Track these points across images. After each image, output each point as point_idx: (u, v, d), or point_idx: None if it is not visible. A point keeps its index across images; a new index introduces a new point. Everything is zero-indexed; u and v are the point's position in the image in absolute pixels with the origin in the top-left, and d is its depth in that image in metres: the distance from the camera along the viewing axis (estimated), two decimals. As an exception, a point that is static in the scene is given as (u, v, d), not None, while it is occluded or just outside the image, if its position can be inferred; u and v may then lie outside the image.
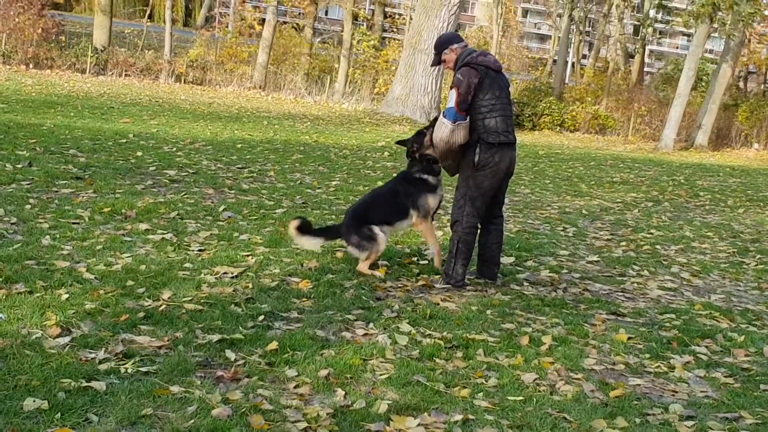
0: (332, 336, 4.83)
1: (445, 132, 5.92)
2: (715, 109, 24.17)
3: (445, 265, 6.22)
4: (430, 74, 21.97)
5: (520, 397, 4.20)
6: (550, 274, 6.81)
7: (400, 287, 6.00)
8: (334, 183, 10.16)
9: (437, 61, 6.24)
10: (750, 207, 12.37)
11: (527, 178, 12.91)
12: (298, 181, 10.07)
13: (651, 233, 9.26)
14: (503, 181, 6.24)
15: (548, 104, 25.86)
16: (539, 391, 4.32)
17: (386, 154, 13.97)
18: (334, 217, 8.12)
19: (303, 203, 8.69)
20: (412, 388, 4.17)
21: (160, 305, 4.96)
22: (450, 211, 6.40)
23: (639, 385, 4.61)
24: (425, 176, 6.29)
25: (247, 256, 6.33)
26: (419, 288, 6.04)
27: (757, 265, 8.24)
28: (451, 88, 6.02)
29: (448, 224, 6.55)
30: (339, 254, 6.60)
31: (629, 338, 5.35)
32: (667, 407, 4.29)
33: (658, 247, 8.54)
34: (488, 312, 5.59)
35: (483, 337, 5.05)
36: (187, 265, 5.91)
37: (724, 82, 24.24)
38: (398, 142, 6.64)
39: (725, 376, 4.90)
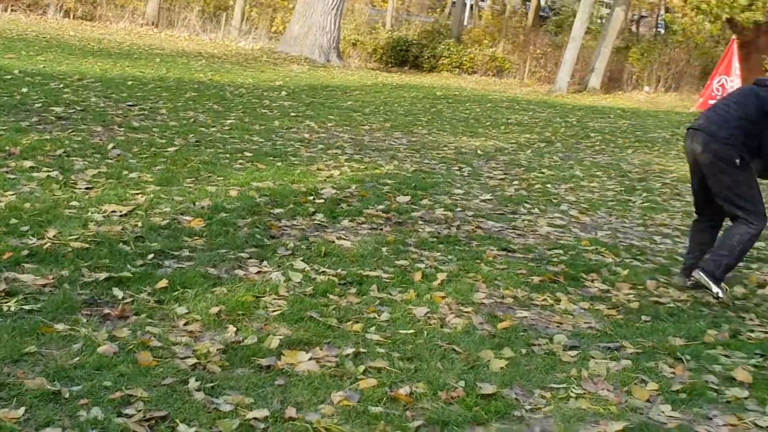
0: (224, 274, 4.79)
1: None
2: (608, 53, 24.68)
3: None
4: (329, 13, 21.68)
5: (412, 331, 4.27)
6: (445, 212, 6.89)
7: (295, 226, 5.98)
8: (229, 122, 9.99)
9: None
10: (638, 148, 12.75)
11: (424, 118, 12.97)
12: (192, 120, 9.86)
13: (543, 173, 9.46)
14: (702, 175, 5.68)
15: (447, 46, 25.90)
16: (430, 325, 4.40)
17: (283, 93, 13.79)
18: (228, 155, 8.00)
19: (196, 142, 8.52)
20: (304, 324, 4.18)
21: (45, 243, 4.81)
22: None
23: (526, 317, 4.74)
24: None
25: (137, 194, 6.18)
26: (314, 226, 6.03)
27: (642, 203, 8.53)
28: None
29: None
30: (233, 192, 6.52)
31: (518, 272, 5.49)
32: (552, 338, 4.44)
33: (549, 186, 8.73)
34: (383, 249, 5.63)
35: (377, 274, 5.10)
36: (73, 203, 5.74)
37: (617, 26, 24.74)
38: None
39: (609, 308, 5.09)
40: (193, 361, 3.63)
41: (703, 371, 4.22)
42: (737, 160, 5.40)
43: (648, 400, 3.81)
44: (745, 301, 5.55)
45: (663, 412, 3.70)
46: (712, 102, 20.98)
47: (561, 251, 6.19)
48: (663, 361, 4.28)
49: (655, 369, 4.17)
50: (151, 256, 4.90)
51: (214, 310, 4.20)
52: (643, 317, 4.98)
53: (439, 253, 5.74)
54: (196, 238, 5.37)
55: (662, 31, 27.94)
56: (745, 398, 3.94)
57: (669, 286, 5.67)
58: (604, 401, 3.74)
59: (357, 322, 4.30)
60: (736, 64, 21.24)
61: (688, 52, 26.39)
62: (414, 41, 26.22)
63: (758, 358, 4.48)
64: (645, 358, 4.31)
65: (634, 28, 29.30)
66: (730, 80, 21.17)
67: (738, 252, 5.51)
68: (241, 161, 7.83)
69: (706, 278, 5.42)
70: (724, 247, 5.51)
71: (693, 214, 6.09)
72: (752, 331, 4.95)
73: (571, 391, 3.80)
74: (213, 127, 9.55)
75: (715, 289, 5.41)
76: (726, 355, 4.48)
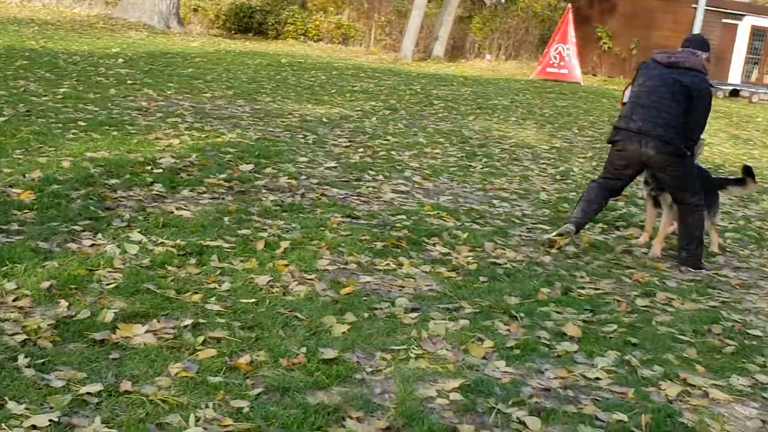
0: (56, 247, 4.60)
1: None
2: (451, 21, 25.11)
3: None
4: (168, -22, 21.03)
5: (253, 300, 4.23)
6: (289, 181, 6.85)
7: (132, 197, 5.80)
8: (62, 90, 9.54)
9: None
10: (480, 114, 13.06)
11: (268, 86, 12.82)
12: (22, 89, 9.36)
13: (387, 140, 9.55)
14: (642, 168, 6.22)
15: (291, 13, 25.63)
16: (272, 293, 4.38)
17: (120, 60, 13.30)
18: (61, 125, 7.65)
19: (27, 112, 8.10)
20: (141, 296, 4.07)
21: None
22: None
23: (369, 282, 4.80)
24: None
25: (-39, 167, 5.83)
26: (152, 197, 5.87)
27: (482, 168, 8.76)
28: None
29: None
30: (65, 164, 6.25)
31: (362, 239, 5.53)
32: (394, 301, 4.51)
33: (393, 152, 8.83)
34: (225, 219, 5.55)
35: (218, 244, 5.02)
36: None
37: (459, -5, 25.21)
38: None
39: (449, 271, 5.21)
40: (22, 337, 3.48)
41: (536, 328, 4.39)
42: (687, 152, 5.99)
43: (484, 357, 3.93)
44: (577, 260, 5.81)
45: (498, 368, 3.83)
46: (551, 70, 21.79)
47: (404, 217, 6.28)
48: (499, 320, 4.43)
49: (491, 327, 4.31)
50: (-25, 231, 4.64)
51: (45, 284, 4.02)
52: (481, 278, 5.13)
53: (282, 222, 5.71)
54: (25, 211, 5.12)
55: (503, 0, 28.62)
56: (575, 352, 4.14)
57: (506, 247, 5.86)
58: (443, 360, 3.84)
59: (196, 292, 4.22)
60: (571, 32, 22.07)
61: (527, 21, 27.19)
62: (258, 7, 25.76)
63: (587, 314, 4.72)
64: (482, 317, 4.44)
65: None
66: (566, 48, 21.99)
67: (701, 235, 6.12)
68: (74, 131, 7.50)
69: (694, 271, 5.99)
70: (692, 241, 6.07)
71: (587, 184, 6.61)
72: (583, 288, 5.20)
73: (411, 352, 3.87)
74: (45, 96, 9.11)
75: (703, 272, 5.99)
76: (558, 312, 4.68)
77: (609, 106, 16.67)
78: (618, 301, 5.01)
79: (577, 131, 12.64)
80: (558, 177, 8.90)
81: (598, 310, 4.79)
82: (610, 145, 6.23)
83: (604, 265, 5.79)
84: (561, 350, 4.12)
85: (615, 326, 4.54)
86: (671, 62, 5.99)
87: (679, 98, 5.89)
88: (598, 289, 5.21)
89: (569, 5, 23.11)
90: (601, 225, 6.86)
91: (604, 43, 25.70)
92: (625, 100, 6.42)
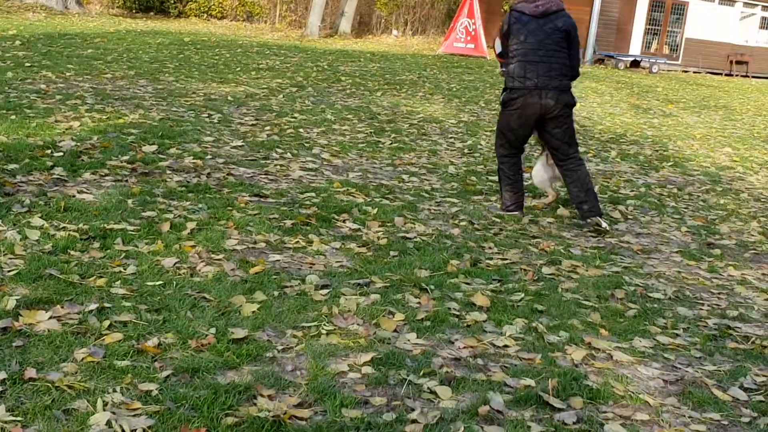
0: (-49, 236, 4.44)
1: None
2: (356, -2, 25.12)
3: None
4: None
5: (160, 282, 4.16)
6: (194, 161, 6.74)
7: (32, 181, 5.63)
8: (-46, 73, 9.17)
9: None
10: (387, 90, 13.08)
11: (171, 65, 12.57)
12: None
13: (295, 117, 9.49)
14: (539, 124, 6.31)
15: (194, -9, 25.22)
16: (179, 275, 4.32)
17: (17, 42, 12.85)
18: (-47, 109, 7.36)
19: None
20: (44, 282, 3.96)
21: None
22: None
23: (279, 260, 4.77)
24: None
25: None
26: (53, 181, 5.70)
27: (391, 144, 8.79)
28: None
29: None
30: (-41, 149, 6.02)
31: (271, 217, 5.50)
32: (304, 278, 4.50)
33: (301, 130, 8.78)
34: (129, 201, 5.43)
35: (122, 227, 4.91)
36: None
37: (364, -29, 25.18)
38: None
39: (359, 246, 5.22)
40: None
41: (446, 299, 4.45)
42: (575, 102, 6.36)
43: (395, 331, 3.96)
44: (485, 232, 5.89)
45: (409, 340, 3.87)
46: (458, 45, 21.96)
47: (313, 194, 6.26)
48: (409, 293, 4.47)
49: (402, 300, 4.35)
50: None
51: (-59, 274, 3.88)
52: (392, 252, 5.16)
53: (188, 203, 5.62)
54: None
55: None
56: (484, 321, 4.21)
57: (416, 221, 5.91)
58: (354, 335, 3.85)
59: (101, 277, 4.13)
60: (477, 7, 22.26)
61: (432, -4, 27.33)
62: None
63: (496, 284, 4.80)
64: (393, 291, 4.47)
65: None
66: (472, 22, 22.18)
67: (592, 184, 6.41)
68: (-32, 115, 7.23)
69: (603, 221, 6.23)
70: (591, 191, 6.29)
71: (496, 156, 6.72)
72: (491, 258, 5.28)
73: (323, 329, 3.88)
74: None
75: (605, 224, 6.23)
76: (467, 283, 4.75)
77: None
78: (525, 270, 5.11)
79: (483, 105, 12.78)
80: (466, 151, 8.99)
81: (505, 280, 4.87)
82: (515, 110, 6.27)
83: (512, 236, 5.89)
84: (470, 320, 4.18)
85: (522, 295, 4.63)
86: (543, 12, 6.21)
87: (562, 44, 6.21)
88: (506, 259, 5.30)
89: (474, -20, 23.31)
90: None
91: (509, 17, 26.00)
92: (498, 50, 6.53)
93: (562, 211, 6.65)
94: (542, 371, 3.67)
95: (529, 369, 3.69)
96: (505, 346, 3.92)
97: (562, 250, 5.64)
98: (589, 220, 6.21)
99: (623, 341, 4.16)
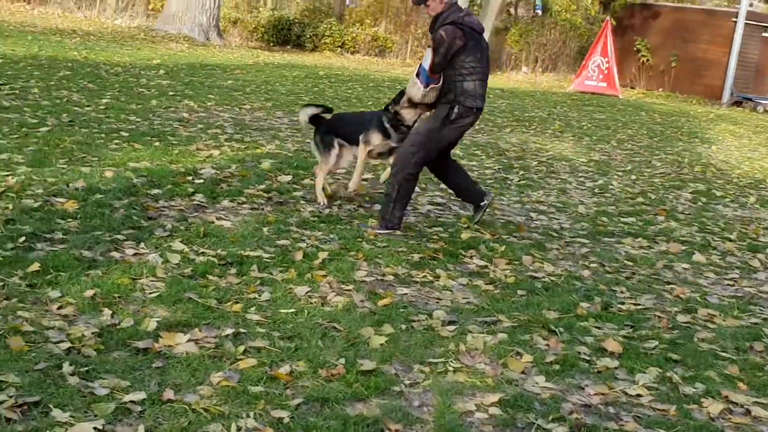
0: (100, 256, 4.66)
1: (417, 93, 6.08)
2: (487, 34, 25.12)
3: (381, 210, 6.14)
4: (208, -10, 21.23)
5: (292, 310, 4.26)
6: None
7: (174, 206, 5.87)
8: (104, 101, 9.68)
9: (420, 1, 6.05)
10: (516, 127, 13.03)
11: (307, 98, 12.89)
12: (65, 99, 9.51)
13: (424, 152, 9.52)
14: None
15: (329, 25, 25.77)
16: (311, 304, 4.41)
17: (162, 72, 13.46)
18: (103, 135, 7.76)
19: (70, 122, 8.23)
20: (183, 305, 4.12)
21: None
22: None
23: (406, 294, 4.81)
24: (387, 125, 6.37)
25: (7, 176, 5.93)
26: (193, 207, 5.93)
27: (519, 180, 8.73)
28: (431, 46, 5.95)
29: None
30: (108, 174, 6.34)
31: (399, 250, 5.54)
32: (431, 313, 4.51)
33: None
34: (264, 229, 5.59)
35: (258, 254, 5.06)
36: (-63, 186, 5.48)
37: (496, 7, 25.12)
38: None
39: (486, 284, 5.20)
40: (67, 345, 3.54)
41: (575, 343, 4.37)
42: None
43: (523, 372, 3.92)
44: (617, 275, 5.76)
45: (537, 383, 3.82)
46: (589, 83, 21.71)
47: (441, 229, 6.28)
48: (537, 334, 4.41)
49: (529, 341, 4.30)
50: (22, 239, 4.73)
51: (89, 293, 4.09)
52: (519, 292, 5.11)
53: (320, 233, 5.74)
54: (69, 220, 5.21)
55: (540, 12, 28.54)
56: (615, 368, 4.10)
57: (544, 261, 5.83)
58: (481, 374, 3.83)
59: (237, 302, 4.26)
60: (610, 45, 21.96)
61: (564, 34, 27.08)
62: (296, 20, 25.94)
63: (628, 329, 4.68)
64: (520, 332, 4.43)
65: (512, 10, 29.83)
66: (606, 61, 21.88)
67: None
68: (117, 141, 7.61)
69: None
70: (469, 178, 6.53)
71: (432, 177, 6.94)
72: (623, 303, 5.15)
73: (449, 365, 3.87)
74: (87, 106, 9.25)
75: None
76: (598, 327, 4.65)
77: (647, 119, 16.55)
78: (659, 316, 4.97)
79: (615, 144, 12.55)
80: (596, 191, 8.84)
81: (638, 326, 4.75)
82: (462, 126, 6.12)
83: (645, 280, 5.74)
84: (601, 366, 4.09)
85: (656, 342, 4.49)
86: (480, 27, 6.07)
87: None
88: (639, 304, 5.17)
89: (608, 18, 23.02)
90: (640, 239, 6.79)
91: (643, 56, 25.51)
92: (426, 65, 6.02)
93: (698, 257, 6.44)
94: (677, 423, 3.55)
95: (663, 420, 3.57)
96: (638, 395, 3.82)
97: (698, 298, 5.46)
98: (482, 203, 6.39)
99: (762, 396, 3.98)
